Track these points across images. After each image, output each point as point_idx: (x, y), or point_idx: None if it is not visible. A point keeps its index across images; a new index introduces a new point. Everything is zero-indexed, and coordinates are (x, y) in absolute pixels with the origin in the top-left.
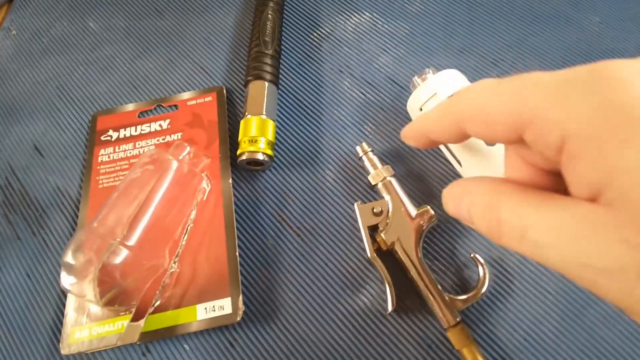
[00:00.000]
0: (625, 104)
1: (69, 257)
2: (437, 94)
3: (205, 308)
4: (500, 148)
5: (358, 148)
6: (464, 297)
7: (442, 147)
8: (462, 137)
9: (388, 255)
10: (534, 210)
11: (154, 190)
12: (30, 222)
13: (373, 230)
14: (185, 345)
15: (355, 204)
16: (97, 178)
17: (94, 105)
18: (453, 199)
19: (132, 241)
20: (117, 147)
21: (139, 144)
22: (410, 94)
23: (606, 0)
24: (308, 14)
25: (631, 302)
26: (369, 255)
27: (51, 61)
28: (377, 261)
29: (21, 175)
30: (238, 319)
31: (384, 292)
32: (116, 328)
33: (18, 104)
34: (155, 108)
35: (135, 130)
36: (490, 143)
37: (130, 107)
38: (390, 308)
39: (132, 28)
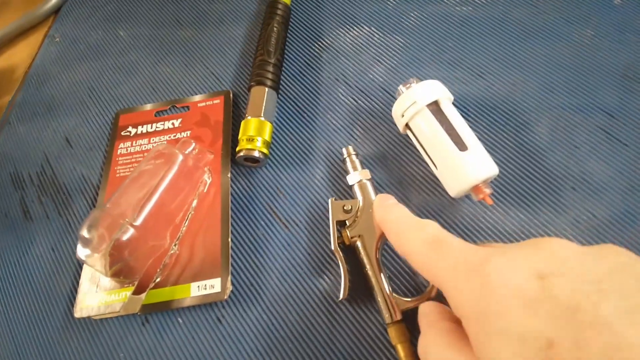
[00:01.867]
0: (491, 303)
1: (84, 232)
2: (417, 102)
3: (198, 286)
4: (471, 153)
5: (344, 150)
6: (410, 299)
7: (420, 150)
8: None
9: (350, 251)
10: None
11: (161, 179)
12: (57, 204)
13: (341, 225)
14: (179, 319)
15: (330, 200)
16: (116, 168)
17: (118, 104)
18: (421, 315)
19: (138, 222)
20: (134, 142)
21: (153, 140)
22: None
23: (602, 13)
24: (312, 27)
25: None
26: (332, 247)
27: (85, 66)
28: (338, 253)
29: (54, 164)
30: (225, 297)
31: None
32: (121, 298)
33: (56, 102)
34: (169, 108)
35: (151, 128)
36: (463, 148)
37: (148, 106)
38: (341, 296)
39: (155, 37)
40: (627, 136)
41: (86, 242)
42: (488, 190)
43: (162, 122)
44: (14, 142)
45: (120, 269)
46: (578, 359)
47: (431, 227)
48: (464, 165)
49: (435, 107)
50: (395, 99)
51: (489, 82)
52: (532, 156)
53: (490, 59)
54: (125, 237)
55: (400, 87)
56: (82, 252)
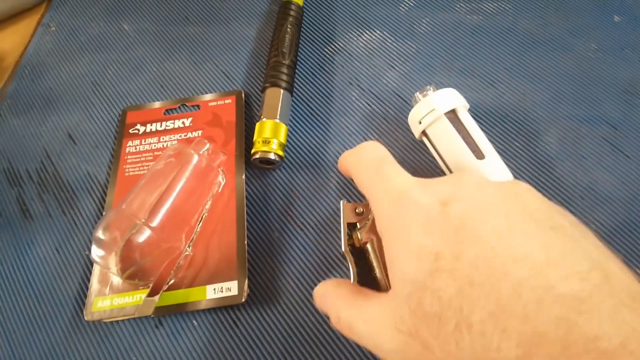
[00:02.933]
0: (401, 221)
1: (99, 233)
2: (436, 109)
3: (214, 289)
4: (488, 161)
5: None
6: None
7: (436, 157)
8: None
9: (361, 253)
10: (357, 310)
11: (175, 180)
12: (61, 202)
13: (352, 227)
14: (194, 321)
15: (342, 202)
16: (124, 167)
17: (124, 101)
18: (318, 298)
19: (155, 223)
20: (143, 140)
21: (163, 139)
22: (411, 108)
23: (604, 28)
24: (324, 29)
25: None
26: (342, 249)
27: (87, 58)
28: (349, 255)
29: (55, 160)
30: (243, 300)
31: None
32: (134, 300)
33: (55, 96)
34: (179, 107)
35: (161, 126)
36: (480, 156)
37: (157, 104)
38: None
39: (161, 32)
40: (629, 148)
41: (101, 244)
42: None
43: (172, 121)
44: (7, 136)
45: (135, 271)
46: (455, 269)
47: (381, 149)
48: (481, 173)
49: (452, 115)
50: (411, 106)
51: (500, 91)
52: (543, 165)
53: (501, 68)
54: (141, 239)
55: (417, 94)
56: (96, 253)
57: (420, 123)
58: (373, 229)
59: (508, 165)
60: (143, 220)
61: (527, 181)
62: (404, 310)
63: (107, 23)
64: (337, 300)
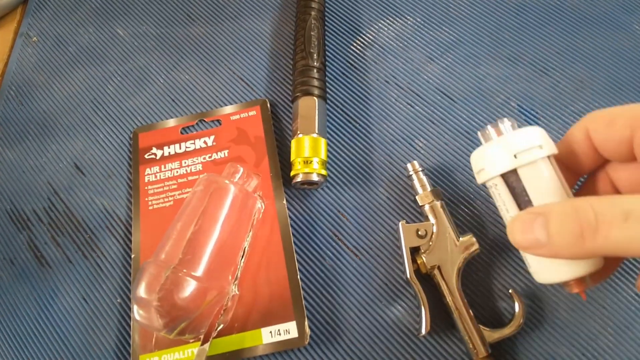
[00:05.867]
0: None
1: (141, 292)
2: (544, 147)
3: (271, 332)
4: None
5: (409, 166)
6: (497, 330)
7: (512, 207)
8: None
9: (426, 278)
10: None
11: (213, 217)
12: (79, 245)
13: (414, 251)
14: None
15: (400, 223)
16: (146, 199)
17: (133, 120)
18: (522, 224)
19: (199, 272)
20: (163, 166)
21: (185, 163)
22: (462, 109)
23: None
24: (349, 20)
25: None
26: (407, 275)
27: (82, 72)
28: (416, 283)
29: (64, 196)
30: (306, 342)
31: (418, 315)
32: (186, 356)
33: (52, 119)
34: (197, 123)
35: (180, 148)
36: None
37: (171, 122)
38: (423, 331)
39: (163, 36)
40: None
41: (144, 304)
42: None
43: (192, 141)
44: (5, 172)
45: (185, 327)
46: None
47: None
48: None
49: (550, 162)
50: (458, 103)
51: (554, 79)
52: None
53: (552, 52)
54: (188, 293)
55: (489, 128)
56: (140, 315)
57: (515, 157)
58: (438, 252)
59: None
60: (185, 271)
61: None
62: None
63: (97, 29)
64: (578, 204)
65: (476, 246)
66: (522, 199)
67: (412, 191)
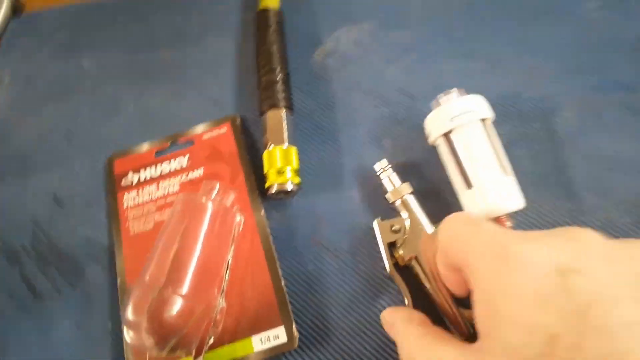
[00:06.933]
0: (507, 289)
1: (129, 314)
2: (474, 111)
3: (261, 339)
4: (513, 180)
5: (376, 165)
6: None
7: (451, 165)
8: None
9: (406, 270)
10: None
11: (194, 235)
12: (65, 275)
13: (391, 245)
14: None
15: (375, 221)
16: (127, 225)
17: (106, 148)
18: (387, 325)
19: (184, 289)
20: (140, 190)
21: (162, 185)
22: (423, 106)
23: None
24: (308, 32)
25: None
26: (388, 270)
27: (53, 107)
28: (396, 276)
29: (47, 229)
30: (295, 345)
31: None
32: None
33: (29, 156)
34: (170, 145)
35: (156, 171)
36: (508, 173)
37: (145, 147)
38: None
39: (128, 63)
40: None
41: (133, 325)
42: (510, 224)
43: (167, 162)
44: None
45: (176, 343)
46: (573, 359)
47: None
48: (505, 190)
49: (483, 124)
50: (420, 102)
51: (507, 69)
52: (566, 143)
53: (503, 44)
54: (175, 310)
55: (440, 96)
56: (131, 337)
57: (451, 120)
58: (413, 244)
59: (530, 149)
60: (170, 289)
61: (552, 161)
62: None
63: (64, 63)
64: (408, 340)
65: None
66: (456, 158)
67: (383, 189)
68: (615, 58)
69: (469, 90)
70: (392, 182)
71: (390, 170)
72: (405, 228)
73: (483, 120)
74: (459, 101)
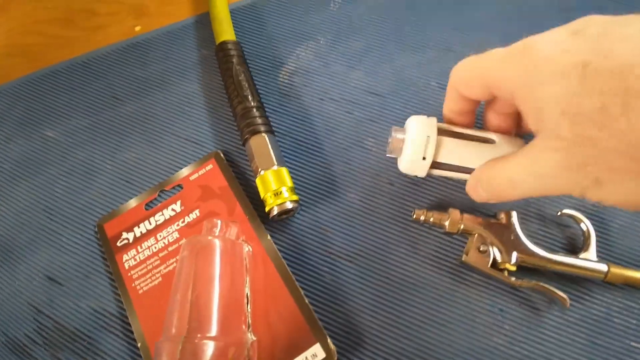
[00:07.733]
0: (538, 64)
1: None
2: (431, 135)
3: None
4: (500, 140)
5: (414, 216)
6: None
7: (454, 175)
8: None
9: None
10: (513, 165)
11: (208, 276)
12: (81, 354)
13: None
14: None
15: (464, 256)
16: (133, 285)
17: (92, 214)
18: (472, 190)
19: (213, 332)
20: (139, 247)
21: (160, 236)
22: (394, 102)
23: None
24: (269, 57)
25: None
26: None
27: (25, 185)
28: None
29: (49, 312)
30: (335, 359)
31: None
32: None
33: (11, 241)
34: (159, 195)
35: (150, 224)
36: (491, 142)
37: (132, 202)
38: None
39: (95, 124)
40: None
41: None
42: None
43: (160, 213)
44: None
45: None
46: (608, 67)
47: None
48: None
49: (440, 131)
50: (388, 99)
51: (458, 52)
52: None
53: (449, 31)
54: (209, 356)
55: (393, 135)
56: None
57: (424, 159)
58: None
59: None
60: (199, 336)
61: None
62: (560, 129)
63: (26, 138)
64: (485, 175)
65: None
66: (455, 169)
67: (389, 193)
68: (545, 17)
69: (430, 78)
70: (440, 217)
71: (428, 211)
72: (488, 244)
73: (439, 129)
74: (415, 138)
